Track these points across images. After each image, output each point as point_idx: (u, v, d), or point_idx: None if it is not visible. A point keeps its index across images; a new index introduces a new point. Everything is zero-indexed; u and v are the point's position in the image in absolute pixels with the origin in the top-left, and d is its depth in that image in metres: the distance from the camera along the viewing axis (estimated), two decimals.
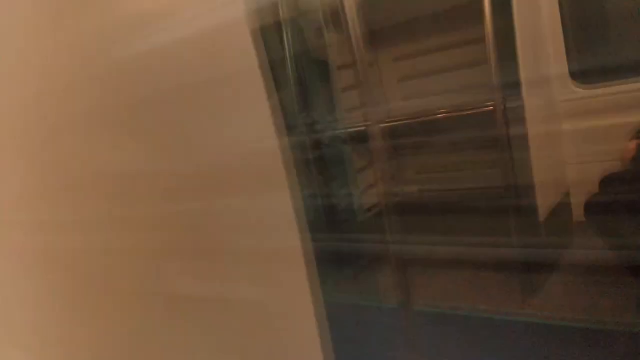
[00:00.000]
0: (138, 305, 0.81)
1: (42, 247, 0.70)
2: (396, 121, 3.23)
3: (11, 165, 0.68)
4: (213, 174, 0.97)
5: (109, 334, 0.77)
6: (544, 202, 2.39)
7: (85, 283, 0.74)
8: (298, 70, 2.97)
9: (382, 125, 2.11)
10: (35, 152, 0.70)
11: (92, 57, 0.78)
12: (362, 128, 2.84)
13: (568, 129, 2.68)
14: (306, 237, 1.17)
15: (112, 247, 0.77)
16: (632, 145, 2.27)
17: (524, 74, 2.28)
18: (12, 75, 0.68)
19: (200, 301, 0.92)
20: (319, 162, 3.00)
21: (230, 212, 1.00)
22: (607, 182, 2.29)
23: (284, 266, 1.14)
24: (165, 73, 0.89)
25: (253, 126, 1.09)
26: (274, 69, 1.19)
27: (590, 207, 2.02)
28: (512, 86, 2.28)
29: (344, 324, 2.35)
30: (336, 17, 2.75)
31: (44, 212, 0.70)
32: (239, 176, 1.03)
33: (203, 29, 0.99)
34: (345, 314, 2.57)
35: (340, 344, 1.24)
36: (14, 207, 0.68)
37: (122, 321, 0.78)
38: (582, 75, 2.62)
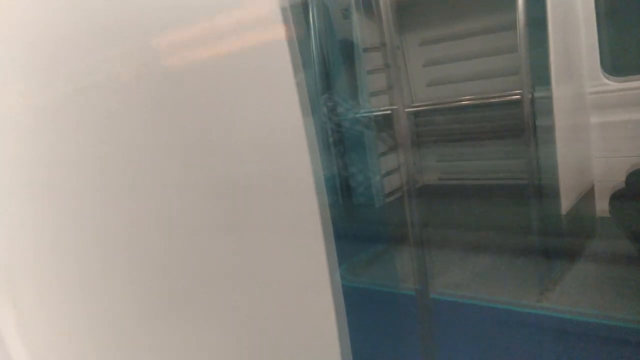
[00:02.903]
0: (159, 279, 0.81)
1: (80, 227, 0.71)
2: (421, 106, 3.20)
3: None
4: (237, 148, 0.97)
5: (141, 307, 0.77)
6: (567, 195, 2.35)
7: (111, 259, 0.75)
8: (322, 51, 2.94)
9: (407, 110, 2.09)
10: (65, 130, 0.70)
11: (118, 30, 0.77)
12: (387, 112, 2.82)
13: (596, 122, 2.62)
14: (326, 218, 1.17)
15: (141, 219, 0.78)
16: None
17: (554, 63, 2.23)
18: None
19: (219, 278, 0.92)
20: (340, 144, 2.99)
21: (252, 190, 1.00)
22: (634, 177, 2.25)
23: (304, 246, 1.14)
24: (193, 46, 0.89)
25: (278, 103, 1.08)
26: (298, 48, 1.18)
27: (616, 202, 1.98)
28: (541, 75, 2.23)
29: (359, 308, 2.36)
30: None
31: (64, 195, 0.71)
32: (262, 153, 1.03)
33: (234, 4, 0.98)
34: (360, 297, 2.57)
35: (355, 325, 1.24)
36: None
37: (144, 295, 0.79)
38: (613, 66, 2.55)
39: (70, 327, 0.71)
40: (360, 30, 2.88)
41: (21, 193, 0.67)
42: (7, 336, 0.66)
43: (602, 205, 2.58)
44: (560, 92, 2.29)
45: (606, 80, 2.56)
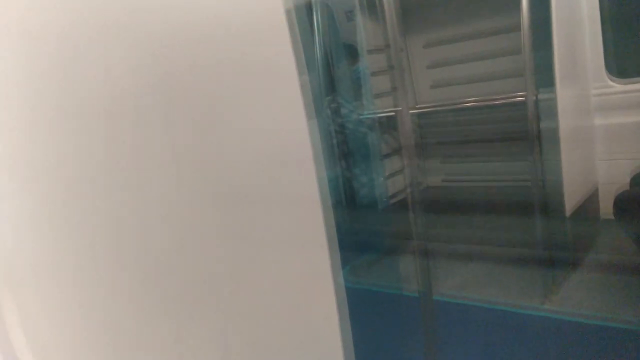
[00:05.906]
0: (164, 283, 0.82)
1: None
2: (425, 108, 3.20)
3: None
4: (241, 150, 0.97)
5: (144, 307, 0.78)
6: (571, 197, 2.35)
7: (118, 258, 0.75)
8: (326, 53, 2.95)
9: (411, 112, 2.08)
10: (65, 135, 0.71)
11: (119, 32, 0.77)
12: (391, 114, 2.82)
13: (600, 124, 2.61)
14: (330, 220, 1.17)
15: (146, 224, 0.78)
16: None
17: (558, 65, 2.22)
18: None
19: (223, 280, 0.92)
20: (344, 145, 2.99)
21: (256, 191, 1.00)
22: (639, 179, 2.24)
23: (307, 248, 1.14)
24: (198, 49, 0.89)
25: (282, 105, 1.08)
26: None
27: (620, 204, 1.98)
28: (545, 77, 2.23)
29: (362, 309, 2.36)
30: (370, 0, 2.72)
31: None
32: (266, 155, 1.03)
33: (238, 6, 0.99)
34: (363, 299, 2.57)
35: (357, 327, 1.24)
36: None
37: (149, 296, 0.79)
38: (618, 68, 2.55)
39: (73, 325, 0.72)
40: (365, 32, 2.88)
41: (23, 192, 0.67)
42: (12, 334, 0.66)
43: (606, 207, 2.58)
44: (564, 94, 2.29)
45: (611, 82, 2.55)
